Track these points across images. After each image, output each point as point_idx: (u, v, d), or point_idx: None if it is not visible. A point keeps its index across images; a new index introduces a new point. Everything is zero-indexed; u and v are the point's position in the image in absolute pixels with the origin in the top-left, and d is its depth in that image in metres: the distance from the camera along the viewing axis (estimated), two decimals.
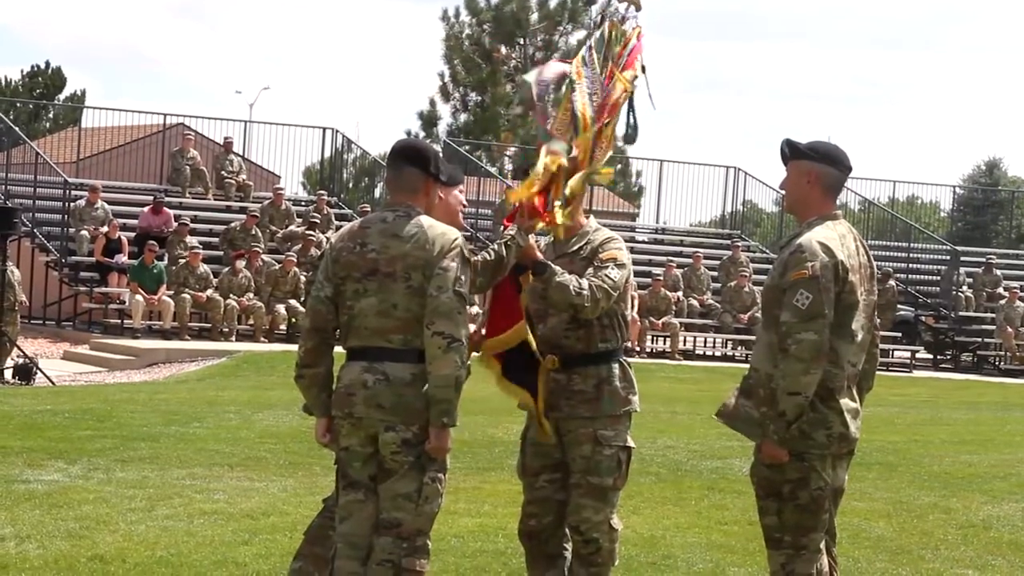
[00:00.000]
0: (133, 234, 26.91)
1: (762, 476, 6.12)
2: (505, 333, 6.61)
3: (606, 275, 6.61)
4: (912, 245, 35.61)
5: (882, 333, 30.06)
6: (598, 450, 6.68)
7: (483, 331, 6.72)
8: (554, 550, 6.87)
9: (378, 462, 6.07)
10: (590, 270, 6.64)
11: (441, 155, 6.45)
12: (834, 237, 6.00)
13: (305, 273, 25.64)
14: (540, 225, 6.57)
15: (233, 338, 25.04)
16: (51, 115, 65.94)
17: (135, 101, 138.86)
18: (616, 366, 6.77)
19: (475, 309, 24.64)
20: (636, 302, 26.08)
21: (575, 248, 6.78)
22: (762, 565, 7.07)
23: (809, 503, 6.03)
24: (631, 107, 6.84)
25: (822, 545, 6.12)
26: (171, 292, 25.02)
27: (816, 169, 6.11)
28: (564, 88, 6.72)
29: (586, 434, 6.69)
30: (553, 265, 6.57)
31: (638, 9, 6.81)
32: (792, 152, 6.17)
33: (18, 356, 20.65)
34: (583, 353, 6.71)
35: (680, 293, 29.16)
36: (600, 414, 6.69)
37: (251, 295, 25.55)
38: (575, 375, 6.71)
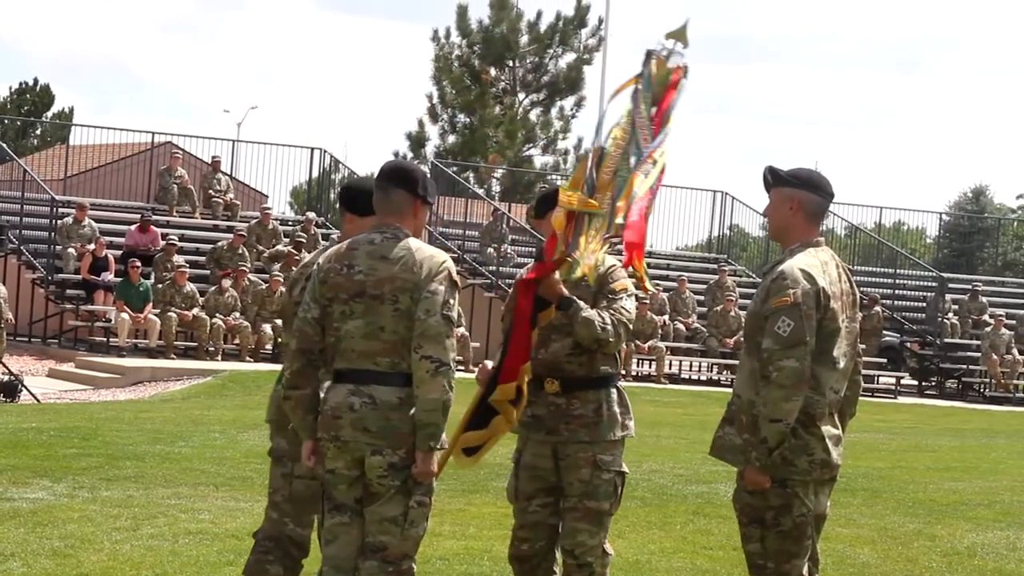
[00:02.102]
0: (120, 252, 26.88)
1: (745, 503, 6.13)
2: (513, 380, 6.56)
3: (623, 307, 6.67)
4: (898, 271, 35.68)
5: (867, 359, 30.10)
6: (597, 474, 6.70)
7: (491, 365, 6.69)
8: (544, 574, 6.88)
9: (364, 485, 6.06)
10: (604, 302, 6.67)
11: (429, 177, 6.44)
12: (816, 264, 6.03)
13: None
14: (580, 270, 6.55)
15: (219, 357, 25.02)
16: (39, 132, 65.91)
17: (123, 119, 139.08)
18: (614, 391, 6.79)
19: (461, 331, 24.71)
20: None
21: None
22: None
23: (792, 529, 6.04)
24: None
25: (805, 571, 6.13)
26: (157, 310, 25.01)
27: (798, 196, 6.15)
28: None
29: (585, 458, 6.70)
30: (578, 300, 6.59)
31: (685, 46, 6.78)
32: (775, 179, 6.20)
33: (3, 373, 20.61)
34: (584, 378, 6.72)
35: (666, 317, 29.17)
36: (599, 439, 6.71)
37: (237, 314, 25.53)
38: (575, 399, 6.72)
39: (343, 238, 6.62)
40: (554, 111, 50.11)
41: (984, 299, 34.34)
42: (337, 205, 6.83)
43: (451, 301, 5.98)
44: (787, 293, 5.90)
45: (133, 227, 27.68)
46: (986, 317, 33.07)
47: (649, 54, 6.75)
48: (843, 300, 6.10)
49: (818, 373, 5.96)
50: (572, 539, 6.69)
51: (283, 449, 6.72)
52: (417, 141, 49.85)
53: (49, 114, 69.68)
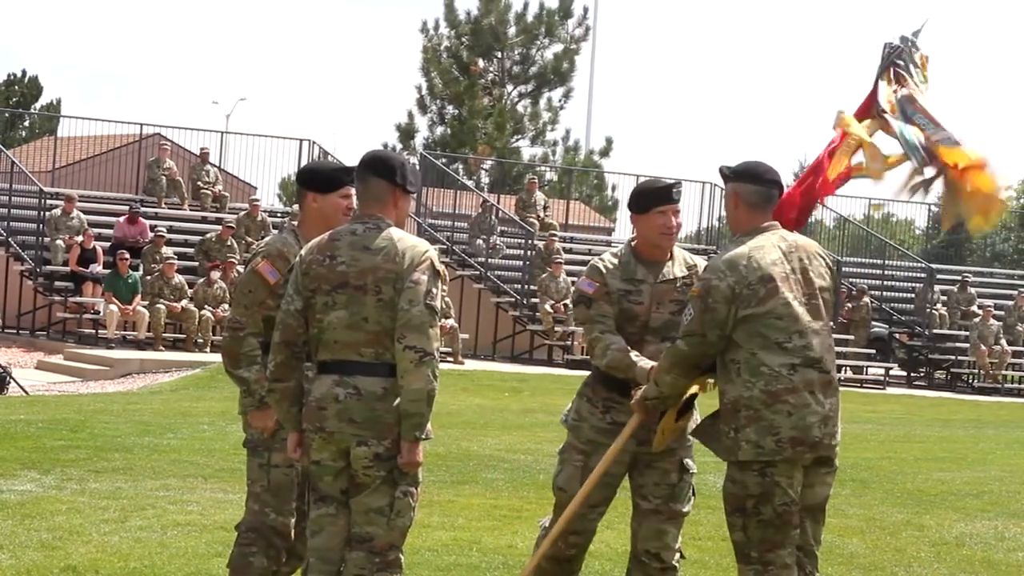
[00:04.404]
0: (108, 244, 26.84)
1: (728, 492, 6.22)
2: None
3: None
4: (887, 262, 35.69)
5: (856, 350, 30.20)
6: (684, 478, 6.69)
7: None
8: (578, 567, 6.90)
9: (350, 476, 6.05)
10: None
11: (415, 165, 6.40)
12: (744, 253, 6.13)
13: None
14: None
15: (207, 349, 24.96)
16: (27, 124, 65.78)
17: (111, 111, 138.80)
18: None
19: (450, 322, 24.68)
20: None
21: (676, 276, 6.72)
22: None
23: (773, 518, 6.08)
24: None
25: (791, 561, 6.13)
26: (146, 302, 24.97)
27: (737, 189, 6.34)
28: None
29: (673, 462, 6.67)
30: None
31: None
32: (722, 177, 6.40)
33: None
34: None
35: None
36: (683, 443, 6.70)
37: (226, 306, 25.45)
38: None
39: (307, 220, 6.63)
40: (542, 102, 50.17)
41: (973, 290, 34.34)
42: (297, 190, 6.87)
43: (434, 291, 5.97)
44: (698, 285, 6.19)
45: (121, 219, 27.62)
46: (975, 308, 33.05)
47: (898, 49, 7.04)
48: (793, 278, 6.15)
49: (762, 357, 6.06)
50: (659, 541, 6.65)
51: (258, 439, 6.71)
52: (406, 133, 49.86)
53: (37, 105, 69.51)
